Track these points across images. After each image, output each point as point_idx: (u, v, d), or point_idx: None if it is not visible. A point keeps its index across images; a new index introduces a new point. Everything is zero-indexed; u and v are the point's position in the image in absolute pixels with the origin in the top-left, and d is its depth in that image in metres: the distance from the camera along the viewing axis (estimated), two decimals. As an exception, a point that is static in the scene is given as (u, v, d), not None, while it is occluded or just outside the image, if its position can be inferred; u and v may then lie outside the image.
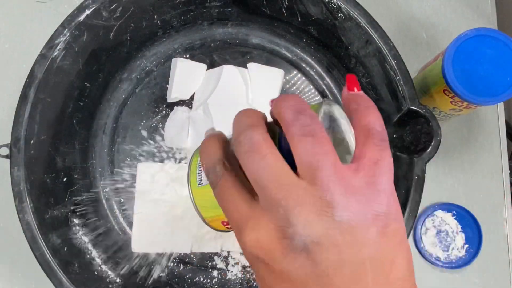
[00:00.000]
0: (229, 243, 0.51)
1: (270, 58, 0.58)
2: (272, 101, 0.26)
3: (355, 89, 0.27)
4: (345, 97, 0.27)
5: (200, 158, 0.28)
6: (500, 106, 0.61)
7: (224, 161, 0.26)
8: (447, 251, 0.56)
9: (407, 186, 0.46)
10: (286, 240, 0.21)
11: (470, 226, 0.57)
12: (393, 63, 0.47)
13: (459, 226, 0.57)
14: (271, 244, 0.22)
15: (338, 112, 0.28)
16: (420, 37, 0.62)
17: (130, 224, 0.54)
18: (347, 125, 0.27)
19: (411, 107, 0.46)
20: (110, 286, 0.50)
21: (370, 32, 0.48)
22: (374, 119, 0.25)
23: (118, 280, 0.51)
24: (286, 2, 0.53)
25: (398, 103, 0.48)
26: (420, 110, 0.46)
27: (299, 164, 0.22)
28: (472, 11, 0.63)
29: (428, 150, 0.45)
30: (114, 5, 0.50)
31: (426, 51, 0.61)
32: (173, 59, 0.56)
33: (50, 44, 0.48)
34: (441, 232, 0.57)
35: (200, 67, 0.55)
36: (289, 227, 0.21)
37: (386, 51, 0.48)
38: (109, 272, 0.51)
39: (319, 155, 0.22)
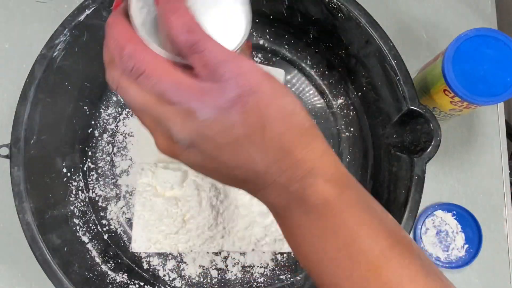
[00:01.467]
0: (229, 243, 0.51)
1: (270, 58, 0.58)
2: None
3: None
4: None
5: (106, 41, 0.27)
6: (500, 106, 0.61)
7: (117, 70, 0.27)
8: (447, 251, 0.56)
9: (407, 186, 0.46)
10: (176, 143, 0.26)
11: (470, 226, 0.57)
12: (393, 63, 0.47)
13: (459, 226, 0.57)
14: (170, 147, 0.26)
15: None
16: (420, 37, 0.62)
17: (130, 224, 0.54)
18: None
19: (411, 107, 0.46)
20: (110, 286, 0.50)
21: (370, 32, 0.48)
22: (175, 21, 0.25)
23: (118, 280, 0.51)
24: (286, 2, 0.53)
25: (398, 103, 0.48)
26: (420, 110, 0.46)
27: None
28: (472, 11, 0.63)
29: (428, 150, 0.45)
30: (114, 5, 0.50)
31: (426, 51, 0.61)
32: None
33: (50, 44, 0.48)
34: (441, 232, 0.57)
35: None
36: (171, 134, 0.25)
37: (386, 51, 0.48)
38: (109, 272, 0.51)
39: (161, 84, 0.25)
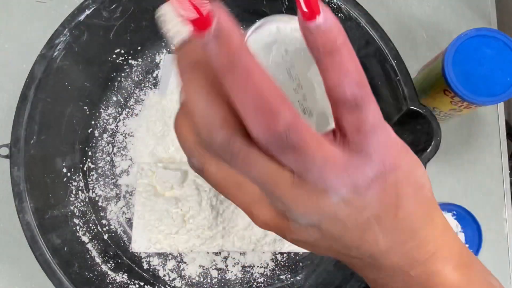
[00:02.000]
0: (229, 243, 0.51)
1: (270, 58, 0.58)
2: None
3: (317, 17, 0.19)
4: (305, 35, 0.20)
5: (178, 138, 0.22)
6: (500, 106, 0.61)
7: (203, 150, 0.22)
8: None
9: (407, 186, 0.46)
10: (290, 221, 0.22)
11: (470, 226, 0.57)
12: (393, 63, 0.47)
13: (459, 226, 0.57)
14: (279, 224, 0.23)
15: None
16: (420, 37, 0.62)
17: (130, 224, 0.54)
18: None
19: (411, 107, 0.46)
20: (110, 286, 0.50)
21: (370, 32, 0.48)
22: (340, 72, 0.20)
23: (118, 280, 0.51)
24: (286, 2, 0.53)
25: (398, 103, 0.48)
26: (420, 110, 0.46)
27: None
28: (472, 11, 0.63)
29: (428, 150, 0.45)
30: (114, 5, 0.50)
31: (426, 51, 0.61)
32: (168, 55, 0.56)
33: (50, 44, 0.48)
34: None
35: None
36: (288, 212, 0.22)
37: (386, 51, 0.48)
38: (109, 272, 0.51)
39: (305, 163, 0.20)
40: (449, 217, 0.57)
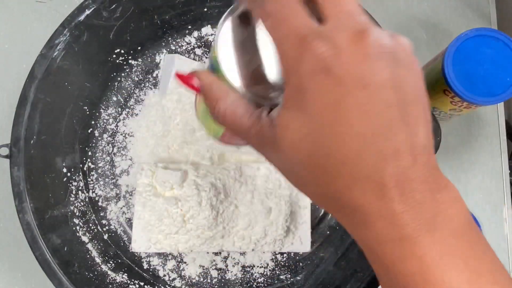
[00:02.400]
0: (229, 243, 0.51)
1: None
2: None
3: None
4: None
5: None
6: (500, 106, 0.61)
7: None
8: None
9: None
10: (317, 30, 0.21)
11: None
12: (393, 63, 0.47)
13: None
14: (346, 46, 0.20)
15: None
16: (420, 37, 0.62)
17: (130, 224, 0.54)
18: None
19: (411, 107, 0.46)
20: (110, 286, 0.50)
21: (370, 32, 0.48)
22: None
23: (118, 280, 0.51)
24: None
25: (398, 103, 0.48)
26: (420, 110, 0.46)
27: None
28: (472, 11, 0.63)
29: (428, 150, 0.45)
30: (114, 5, 0.50)
31: (426, 51, 0.61)
32: (168, 55, 0.56)
33: (50, 44, 0.48)
34: None
35: (197, 66, 0.55)
36: (370, 35, 0.21)
37: (386, 51, 0.48)
38: (109, 272, 0.51)
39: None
40: None
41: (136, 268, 0.53)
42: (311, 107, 0.21)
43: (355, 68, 0.20)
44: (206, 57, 0.57)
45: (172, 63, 0.55)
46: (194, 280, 0.53)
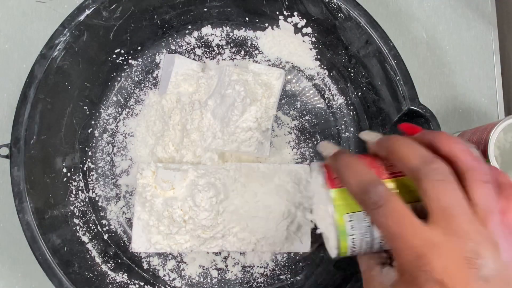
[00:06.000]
0: (229, 243, 0.51)
1: (270, 58, 0.58)
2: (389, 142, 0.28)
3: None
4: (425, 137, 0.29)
5: (348, 175, 0.28)
6: (500, 106, 0.61)
7: (381, 180, 0.28)
8: None
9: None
10: (473, 270, 0.24)
11: None
12: (393, 63, 0.47)
13: None
14: (457, 271, 0.24)
15: None
16: (420, 37, 0.62)
17: (130, 224, 0.54)
18: None
19: (411, 107, 0.46)
20: (110, 286, 0.50)
21: (370, 32, 0.49)
22: (468, 159, 0.27)
23: (118, 280, 0.51)
24: (286, 2, 0.53)
25: (398, 103, 0.48)
26: (420, 110, 0.46)
27: (476, 204, 0.26)
28: (472, 11, 0.63)
29: (428, 150, 0.45)
30: (114, 5, 0.50)
31: (426, 51, 0.61)
32: (168, 55, 0.56)
33: (50, 44, 0.48)
34: None
35: (197, 66, 0.55)
36: (477, 258, 0.24)
37: (386, 51, 0.48)
38: (109, 272, 0.51)
39: (495, 201, 0.26)
40: None
41: (136, 268, 0.53)
42: None
43: None
44: (206, 57, 0.57)
45: (172, 63, 0.55)
46: (194, 280, 0.53)
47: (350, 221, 0.29)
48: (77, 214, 0.52)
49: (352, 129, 0.56)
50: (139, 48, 0.57)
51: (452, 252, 0.25)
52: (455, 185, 0.26)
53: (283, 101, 0.57)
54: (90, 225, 0.53)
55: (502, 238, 0.25)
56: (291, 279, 0.54)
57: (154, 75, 0.57)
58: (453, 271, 0.24)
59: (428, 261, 0.25)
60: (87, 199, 0.53)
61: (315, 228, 0.54)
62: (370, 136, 0.32)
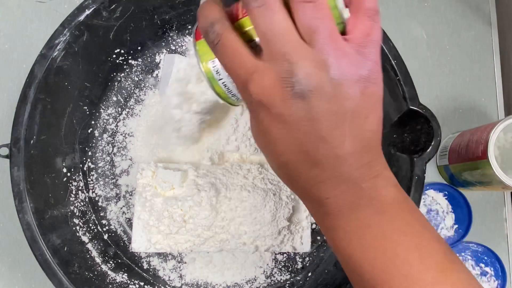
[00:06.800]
0: (229, 243, 0.51)
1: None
2: None
3: None
4: None
5: (198, 20, 0.28)
6: (500, 106, 0.61)
7: (224, 20, 0.27)
8: (436, 230, 0.56)
9: (407, 186, 0.46)
10: (287, 88, 0.25)
11: (461, 207, 0.57)
12: (393, 63, 0.47)
13: (450, 207, 0.57)
14: (273, 91, 0.25)
15: None
16: (420, 37, 0.62)
17: (130, 224, 0.54)
18: None
19: (411, 107, 0.46)
20: (110, 286, 0.50)
21: (370, 32, 0.48)
22: None
23: (118, 280, 0.51)
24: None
25: (398, 103, 0.48)
26: (420, 110, 0.46)
27: (300, 26, 0.25)
28: (472, 11, 0.63)
29: (428, 150, 0.45)
30: (114, 5, 0.50)
31: (426, 51, 0.61)
32: (168, 56, 0.56)
33: (50, 44, 0.48)
34: (431, 211, 0.57)
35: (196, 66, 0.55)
36: (291, 77, 0.25)
37: (386, 51, 0.48)
38: (109, 272, 0.51)
39: (318, 19, 0.25)
40: (440, 197, 0.57)
41: (136, 268, 0.53)
42: None
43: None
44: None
45: (172, 63, 0.55)
46: (194, 280, 0.53)
47: (214, 66, 0.30)
48: (77, 214, 0.52)
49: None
50: (139, 48, 0.56)
51: (269, 75, 0.25)
52: (274, 9, 0.25)
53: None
54: (90, 225, 0.53)
55: (332, 55, 0.25)
56: (291, 279, 0.54)
57: (154, 75, 0.57)
58: (270, 91, 0.25)
59: (248, 86, 0.26)
60: (87, 199, 0.53)
61: (315, 228, 0.54)
62: None
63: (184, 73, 0.52)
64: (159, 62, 0.57)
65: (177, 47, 0.57)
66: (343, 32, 0.27)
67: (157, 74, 0.57)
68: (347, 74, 0.25)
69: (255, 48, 0.27)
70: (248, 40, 0.27)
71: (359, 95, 0.25)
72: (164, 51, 0.57)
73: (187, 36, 0.58)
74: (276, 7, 0.25)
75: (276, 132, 0.26)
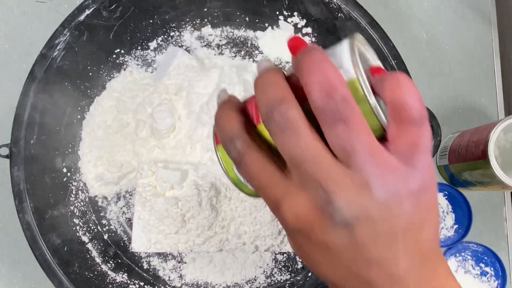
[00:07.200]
0: (229, 243, 0.51)
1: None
2: (294, 55, 0.24)
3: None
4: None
5: (216, 131, 0.26)
6: (500, 106, 0.61)
7: (245, 135, 0.25)
8: None
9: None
10: (326, 217, 0.22)
11: (461, 207, 0.57)
12: (393, 63, 0.47)
13: (450, 207, 0.57)
14: (310, 219, 0.23)
15: (371, 56, 0.25)
16: (420, 37, 0.62)
17: (130, 224, 0.54)
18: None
19: (411, 107, 0.46)
20: (110, 286, 0.50)
21: (370, 32, 0.49)
22: (408, 92, 0.23)
23: (118, 280, 0.51)
24: (286, 2, 0.53)
25: (398, 103, 0.48)
26: (420, 110, 0.46)
27: (333, 148, 0.23)
28: (472, 11, 0.63)
29: (428, 150, 0.45)
30: (114, 5, 0.50)
31: (426, 51, 0.61)
32: (172, 47, 0.56)
33: (50, 44, 0.48)
34: None
35: (197, 64, 0.55)
36: (328, 205, 0.22)
37: (386, 51, 0.48)
38: (109, 272, 0.51)
39: (353, 140, 0.22)
40: (440, 197, 0.57)
41: (136, 268, 0.53)
42: None
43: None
44: (207, 57, 0.57)
45: (174, 55, 0.55)
46: (194, 280, 0.53)
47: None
48: (77, 214, 0.52)
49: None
50: (139, 48, 0.56)
51: (303, 201, 0.23)
52: (300, 133, 0.22)
53: (283, 101, 0.57)
54: (90, 225, 0.53)
55: (374, 175, 0.22)
56: (291, 279, 0.54)
57: (154, 75, 0.57)
58: (306, 219, 0.23)
59: (281, 211, 0.24)
60: (87, 199, 0.53)
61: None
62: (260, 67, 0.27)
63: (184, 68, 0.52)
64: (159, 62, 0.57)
65: (177, 47, 0.57)
66: (383, 137, 0.23)
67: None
68: (395, 191, 0.22)
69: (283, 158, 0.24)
70: (274, 148, 0.24)
71: (411, 209, 0.22)
72: (164, 51, 0.57)
73: (187, 36, 0.58)
74: (301, 130, 0.22)
75: (318, 257, 0.24)
